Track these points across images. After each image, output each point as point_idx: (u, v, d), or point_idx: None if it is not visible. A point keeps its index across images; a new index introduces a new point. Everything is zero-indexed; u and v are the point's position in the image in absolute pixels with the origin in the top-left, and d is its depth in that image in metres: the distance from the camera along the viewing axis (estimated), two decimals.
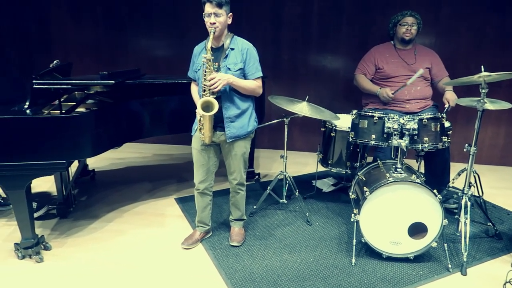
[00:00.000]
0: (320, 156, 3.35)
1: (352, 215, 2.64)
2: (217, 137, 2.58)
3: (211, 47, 2.45)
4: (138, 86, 2.95)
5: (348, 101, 4.40)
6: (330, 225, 3.07)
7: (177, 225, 3.06)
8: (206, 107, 2.40)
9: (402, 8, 3.45)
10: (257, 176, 3.89)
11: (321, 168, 3.41)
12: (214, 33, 2.38)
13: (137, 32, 4.62)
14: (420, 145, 2.63)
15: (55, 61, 2.97)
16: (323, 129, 3.27)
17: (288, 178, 3.19)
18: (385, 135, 2.68)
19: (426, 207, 2.50)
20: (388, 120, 2.66)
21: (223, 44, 2.50)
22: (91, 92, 3.08)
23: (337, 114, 3.24)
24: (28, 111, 2.49)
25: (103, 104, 2.92)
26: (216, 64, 2.48)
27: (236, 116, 2.55)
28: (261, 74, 2.57)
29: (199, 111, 2.41)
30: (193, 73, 2.63)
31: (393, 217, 2.54)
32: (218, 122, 2.53)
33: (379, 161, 2.89)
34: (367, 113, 2.72)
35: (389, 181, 2.50)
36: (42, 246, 2.68)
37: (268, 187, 3.22)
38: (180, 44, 4.57)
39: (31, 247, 2.57)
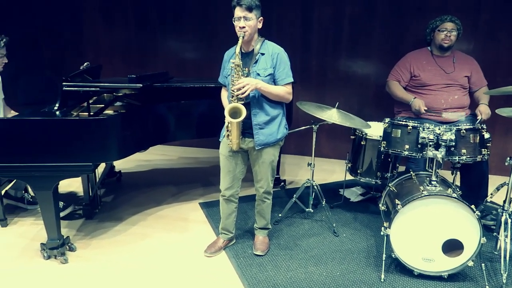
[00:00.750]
0: (349, 165, 3.24)
1: (382, 228, 2.52)
2: (245, 144, 2.53)
3: (241, 52, 2.39)
4: (166, 90, 2.93)
5: (379, 108, 4.26)
6: (358, 237, 2.95)
7: (200, 231, 3.02)
8: (234, 113, 2.35)
9: (439, 13, 3.31)
10: (282, 183, 3.81)
11: (349, 177, 3.30)
12: (243, 37, 2.33)
13: (167, 34, 4.64)
14: (457, 157, 2.49)
15: (85, 63, 3.00)
16: (353, 137, 3.16)
17: (315, 187, 3.09)
18: (419, 146, 2.55)
19: (463, 223, 2.36)
20: (423, 129, 2.53)
21: (253, 49, 2.45)
22: (119, 94, 3.10)
23: (368, 122, 3.13)
24: (57, 112, 2.51)
25: (130, 107, 2.92)
26: (246, 69, 2.43)
27: (265, 122, 2.48)
28: (291, 80, 2.50)
29: (226, 118, 2.35)
30: (223, 78, 2.59)
31: (427, 232, 2.40)
32: (246, 129, 2.47)
33: (412, 172, 2.76)
34: (401, 122, 2.60)
35: (423, 195, 2.36)
36: (67, 247, 2.69)
37: (294, 195, 3.13)
38: (208, 47, 4.55)
39: (56, 247, 2.58)
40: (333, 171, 4.29)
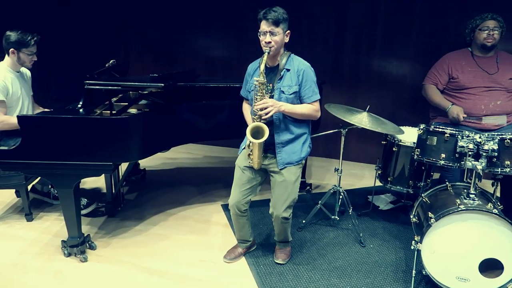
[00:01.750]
0: (379, 172, 3.06)
1: (413, 242, 2.34)
2: (267, 160, 2.40)
3: (265, 67, 2.27)
4: (190, 89, 2.86)
5: (413, 112, 4.04)
6: (386, 249, 2.79)
7: (221, 235, 2.94)
8: (256, 132, 2.25)
9: (482, 11, 3.06)
10: (308, 187, 3.67)
11: (378, 183, 3.12)
12: (268, 53, 2.21)
13: (195, 32, 4.59)
14: (499, 169, 2.28)
15: (111, 61, 2.97)
16: (384, 142, 2.99)
17: (342, 193, 2.94)
18: (457, 155, 2.35)
19: (503, 241, 2.15)
20: (462, 138, 2.33)
21: (278, 64, 2.32)
22: (145, 92, 3.05)
23: (401, 127, 2.94)
24: (81, 110, 2.49)
25: (154, 106, 2.87)
26: (270, 85, 2.32)
27: (289, 141, 2.36)
28: (318, 97, 2.36)
29: (248, 137, 2.24)
30: (246, 92, 2.49)
31: (462, 249, 2.21)
32: (268, 145, 2.36)
33: (447, 183, 2.56)
34: (437, 129, 2.41)
35: (459, 209, 2.18)
36: (87, 245, 2.68)
37: (320, 201, 3.00)
38: (237, 45, 4.47)
39: (76, 245, 2.58)
40: (362, 176, 4.11)
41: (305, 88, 2.31)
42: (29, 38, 2.79)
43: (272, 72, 2.34)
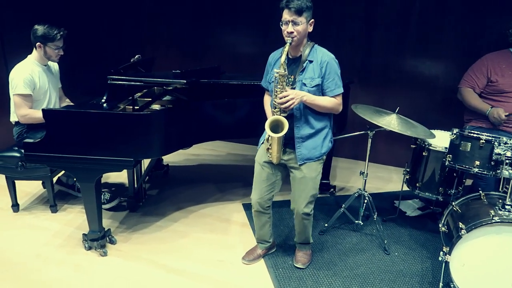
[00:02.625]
0: (407, 176, 2.93)
1: (441, 252, 2.22)
2: (286, 156, 2.32)
3: (287, 57, 2.18)
4: (214, 86, 2.81)
5: (445, 114, 3.85)
6: (412, 258, 2.66)
7: (241, 235, 2.90)
8: (275, 126, 2.16)
9: None
10: (332, 189, 3.57)
11: (406, 188, 2.98)
12: (290, 43, 2.12)
13: (222, 28, 4.55)
14: None
15: (136, 56, 2.97)
16: (414, 146, 2.85)
17: (367, 198, 2.83)
18: (492, 163, 2.21)
19: None
20: (499, 144, 2.18)
21: (300, 55, 2.22)
22: (169, 88, 3.04)
23: (432, 131, 2.80)
24: (104, 105, 2.50)
25: (177, 102, 2.85)
26: (292, 76, 2.22)
27: (309, 136, 2.27)
28: (341, 90, 2.24)
29: (267, 131, 2.16)
30: (267, 83, 2.40)
31: (495, 264, 2.08)
32: (288, 140, 2.28)
33: (481, 191, 2.41)
34: (472, 134, 2.27)
35: (493, 221, 2.04)
36: (107, 239, 2.69)
37: (343, 205, 2.90)
38: (263, 42, 4.39)
39: (97, 239, 2.59)
40: (389, 179, 3.97)
41: (328, 81, 2.20)
42: (55, 32, 2.81)
43: (294, 63, 2.24)
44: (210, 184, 3.70)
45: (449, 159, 2.37)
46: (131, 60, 2.88)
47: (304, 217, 2.39)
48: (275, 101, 2.15)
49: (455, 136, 2.34)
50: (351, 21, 4.01)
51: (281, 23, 2.15)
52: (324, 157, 2.36)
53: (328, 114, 2.31)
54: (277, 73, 2.12)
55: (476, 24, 3.60)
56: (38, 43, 2.82)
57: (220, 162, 4.33)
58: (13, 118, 2.95)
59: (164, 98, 3.01)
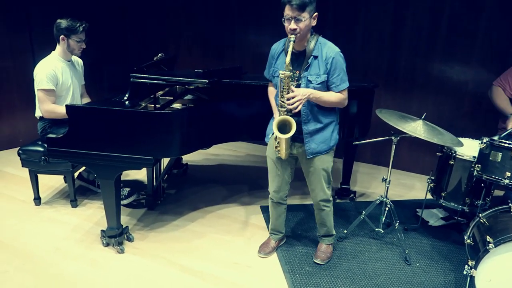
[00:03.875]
0: (432, 185, 2.83)
1: (466, 266, 2.13)
2: (295, 149, 2.33)
3: (292, 52, 2.13)
4: (235, 86, 2.78)
5: (473, 122, 3.72)
6: (435, 270, 2.57)
7: (257, 237, 2.86)
8: (283, 125, 2.15)
9: None
10: (352, 195, 3.49)
11: (429, 196, 2.88)
12: (294, 41, 2.07)
13: (245, 27, 4.52)
14: None
15: (159, 54, 2.97)
16: (440, 154, 2.75)
17: (389, 205, 2.75)
18: None
19: None
20: None
21: (305, 50, 2.18)
22: (191, 87, 3.03)
23: (460, 138, 2.69)
24: (126, 102, 2.50)
25: (198, 102, 2.83)
26: (297, 72, 2.19)
27: (317, 130, 2.27)
28: (347, 85, 2.22)
29: (274, 131, 2.14)
30: (270, 76, 2.37)
31: None
32: (297, 134, 2.24)
33: (510, 204, 2.30)
34: (503, 144, 2.16)
35: None
36: (125, 236, 2.70)
37: (364, 212, 2.83)
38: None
39: (114, 236, 2.60)
40: (412, 187, 3.86)
41: (334, 76, 2.18)
42: (78, 25, 2.87)
43: (299, 58, 2.20)
44: (229, 185, 3.68)
45: (478, 169, 2.27)
46: (154, 59, 2.89)
47: (323, 204, 2.46)
48: (281, 101, 2.14)
49: (485, 145, 2.24)
50: (379, 20, 3.91)
51: (283, 19, 2.09)
52: (334, 148, 2.38)
53: (334, 109, 2.32)
54: (283, 74, 2.09)
55: (508, 29, 3.45)
56: (62, 36, 2.87)
57: (239, 163, 4.31)
58: (38, 113, 3.00)
59: (186, 97, 3.00)
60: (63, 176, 3.40)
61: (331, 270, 2.52)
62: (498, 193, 2.92)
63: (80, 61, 3.21)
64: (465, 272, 2.12)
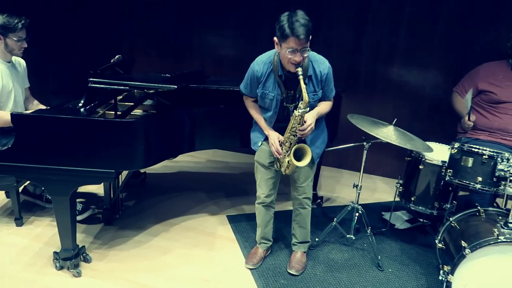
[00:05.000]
0: (401, 189, 2.85)
1: (441, 272, 2.14)
2: None
3: (284, 74, 2.13)
4: (202, 92, 2.62)
5: (433, 125, 3.82)
6: (407, 274, 2.57)
7: (227, 250, 2.72)
8: (297, 152, 2.16)
9: None
10: (319, 200, 3.44)
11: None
12: (302, 74, 1.98)
13: (205, 28, 4.34)
14: None
15: (117, 56, 2.73)
16: (409, 158, 2.77)
17: (360, 211, 2.72)
18: (495, 179, 2.15)
19: None
20: (502, 160, 2.12)
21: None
22: (150, 91, 2.82)
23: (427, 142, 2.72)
24: (82, 109, 2.25)
25: (161, 107, 2.63)
26: (292, 92, 2.16)
27: (315, 135, 2.31)
28: (335, 92, 2.31)
29: (291, 160, 2.12)
30: (253, 92, 2.28)
31: (498, 285, 2.01)
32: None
33: (479, 207, 2.35)
34: (474, 149, 2.20)
35: (499, 240, 1.97)
36: (81, 257, 2.45)
37: (335, 219, 2.78)
38: (250, 44, 4.22)
39: (70, 258, 2.34)
40: (374, 189, 3.90)
41: (327, 88, 2.24)
42: (16, 21, 2.52)
43: (292, 78, 2.12)
44: (191, 194, 3.49)
45: (450, 174, 2.30)
46: (111, 61, 2.64)
47: (307, 202, 2.49)
48: (292, 132, 2.14)
49: (456, 150, 2.27)
50: (340, 25, 3.91)
51: (285, 50, 1.97)
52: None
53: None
54: (299, 114, 2.06)
55: (467, 35, 3.58)
56: None
57: (200, 169, 4.12)
58: None
59: (146, 103, 2.79)
60: (4, 191, 3.04)
61: (306, 282, 2.44)
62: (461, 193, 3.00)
63: (22, 61, 2.87)
64: (441, 278, 2.13)
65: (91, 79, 2.08)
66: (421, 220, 3.14)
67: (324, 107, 2.26)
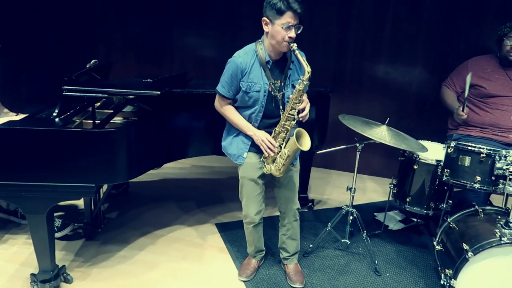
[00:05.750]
0: (394, 190, 2.77)
1: (443, 276, 2.08)
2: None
3: (270, 62, 2.03)
4: (186, 96, 2.48)
5: (420, 122, 3.79)
6: (405, 278, 2.50)
7: (218, 262, 2.58)
8: (299, 137, 2.01)
9: (499, 19, 2.83)
10: (310, 203, 3.35)
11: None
12: (297, 49, 1.91)
13: (185, 29, 4.18)
14: None
15: (92, 61, 2.56)
16: (402, 158, 2.70)
17: (355, 215, 2.64)
18: (493, 178, 2.09)
19: None
20: (500, 159, 2.06)
21: (283, 57, 2.06)
22: (130, 97, 2.66)
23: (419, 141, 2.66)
24: (57, 119, 2.08)
25: (143, 114, 2.48)
26: (278, 82, 2.03)
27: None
28: None
29: (298, 145, 1.95)
30: (231, 93, 2.08)
31: (502, 287, 1.94)
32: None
33: (476, 207, 2.29)
34: (470, 148, 2.14)
35: (502, 242, 1.90)
36: (62, 278, 2.27)
37: (329, 224, 2.69)
38: (231, 44, 4.02)
39: (49, 280, 2.16)
40: (364, 189, 3.83)
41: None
42: None
43: (277, 67, 2.05)
44: (177, 202, 3.34)
45: (447, 174, 2.23)
46: (87, 66, 2.47)
47: (297, 214, 2.35)
48: (290, 114, 1.99)
49: (452, 149, 2.20)
50: (324, 23, 3.82)
51: (282, 26, 1.89)
52: None
53: None
54: (302, 83, 1.92)
55: (450, 31, 3.55)
56: None
57: (185, 175, 3.97)
58: None
59: (126, 109, 2.62)
60: None
61: None
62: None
63: None
64: (442, 282, 2.07)
65: (65, 86, 1.91)
66: (415, 220, 3.09)
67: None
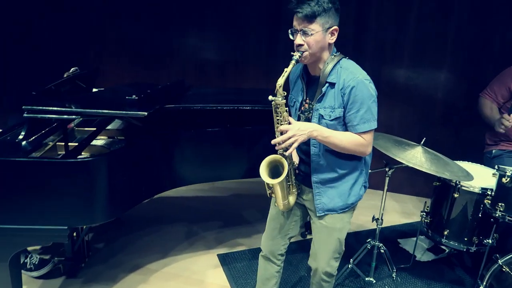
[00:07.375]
0: (427, 220, 2.37)
1: None
2: (304, 195, 1.77)
3: (304, 75, 1.65)
4: (183, 112, 2.08)
5: (447, 133, 3.39)
6: None
7: None
8: (275, 167, 1.61)
9: None
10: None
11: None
12: (297, 61, 1.53)
13: (185, 30, 3.78)
14: None
15: (72, 69, 2.17)
16: (438, 183, 2.30)
17: (383, 250, 2.24)
18: None
19: None
20: None
21: (320, 74, 1.62)
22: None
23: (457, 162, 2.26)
24: (23, 143, 1.68)
25: (130, 132, 2.08)
26: (308, 101, 1.64)
27: (330, 180, 1.68)
28: (371, 127, 1.61)
29: (262, 176, 1.58)
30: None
31: None
32: (304, 176, 1.74)
33: None
34: None
35: None
36: None
37: (351, 260, 2.31)
38: (236, 48, 3.67)
39: None
40: (386, 209, 3.41)
41: (351, 112, 1.58)
42: None
43: (313, 84, 1.65)
44: (173, 226, 2.95)
45: (501, 209, 1.83)
46: (65, 75, 2.08)
47: (325, 278, 1.82)
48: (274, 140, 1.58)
49: (508, 179, 1.80)
50: (340, 22, 3.43)
51: (290, 31, 1.56)
52: (355, 206, 1.79)
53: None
54: (273, 101, 1.54)
55: (483, 31, 3.16)
56: None
57: (182, 194, 3.52)
58: None
59: (111, 126, 2.23)
60: None
61: None
62: None
63: None
64: None
65: (25, 106, 1.52)
66: (452, 250, 2.68)
67: (341, 136, 1.59)
